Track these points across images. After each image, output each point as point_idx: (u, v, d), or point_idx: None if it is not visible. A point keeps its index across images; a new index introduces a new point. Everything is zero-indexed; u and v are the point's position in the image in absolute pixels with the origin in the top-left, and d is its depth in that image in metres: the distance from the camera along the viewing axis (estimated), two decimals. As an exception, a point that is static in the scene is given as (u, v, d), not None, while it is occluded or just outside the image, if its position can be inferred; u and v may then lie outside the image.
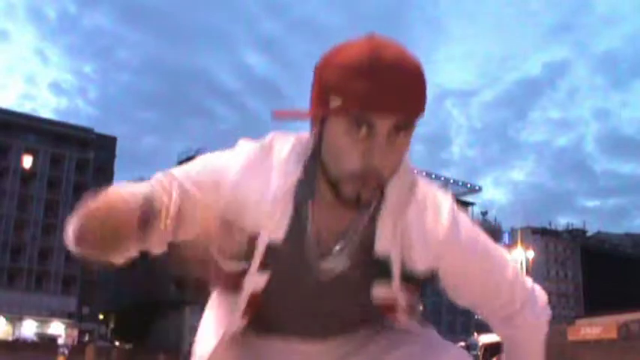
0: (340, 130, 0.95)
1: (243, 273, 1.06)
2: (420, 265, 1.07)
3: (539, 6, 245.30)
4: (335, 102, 0.94)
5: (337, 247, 1.06)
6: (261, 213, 1.02)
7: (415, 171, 1.09)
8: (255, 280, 1.05)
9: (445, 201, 1.10)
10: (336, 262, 1.06)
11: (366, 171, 0.95)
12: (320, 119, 1.00)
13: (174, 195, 0.98)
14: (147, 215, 0.92)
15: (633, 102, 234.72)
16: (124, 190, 0.98)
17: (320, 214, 1.05)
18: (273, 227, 1.02)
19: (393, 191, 1.04)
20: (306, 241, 1.05)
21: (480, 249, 1.12)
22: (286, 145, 1.06)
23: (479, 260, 1.11)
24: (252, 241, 1.03)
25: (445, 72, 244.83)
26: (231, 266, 1.08)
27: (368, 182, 0.96)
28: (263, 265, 1.04)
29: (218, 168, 1.05)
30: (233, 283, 1.09)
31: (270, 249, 1.03)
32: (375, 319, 1.14)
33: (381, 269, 1.06)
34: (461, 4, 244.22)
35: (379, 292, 1.07)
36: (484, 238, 1.14)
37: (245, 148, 1.07)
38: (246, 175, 1.03)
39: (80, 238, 0.97)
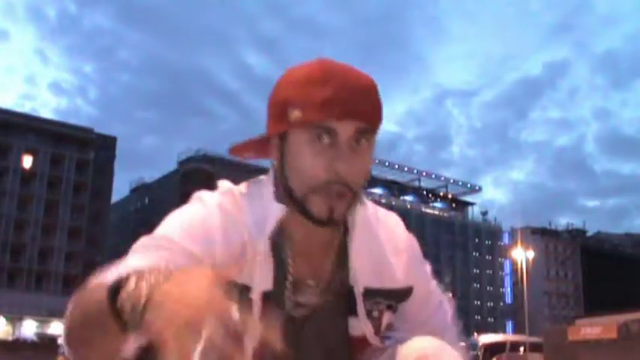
0: (302, 141, 0.95)
1: None
2: (399, 280, 1.08)
3: (539, 6, 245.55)
4: (294, 114, 0.95)
5: (311, 282, 1.05)
6: (250, 265, 0.99)
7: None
8: None
9: (393, 215, 1.15)
10: (308, 297, 1.04)
11: (332, 180, 0.94)
12: (280, 137, 0.99)
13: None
14: (116, 283, 0.74)
15: (633, 102, 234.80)
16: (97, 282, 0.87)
17: (294, 246, 1.03)
18: (265, 277, 0.99)
19: (356, 212, 1.05)
20: (285, 281, 1.03)
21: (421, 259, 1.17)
22: (241, 189, 1.05)
23: (424, 271, 1.16)
24: (245, 291, 0.97)
25: (445, 72, 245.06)
26: None
27: (338, 194, 0.95)
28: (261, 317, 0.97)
29: (198, 222, 0.97)
30: None
31: (267, 300, 1.00)
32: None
33: (352, 301, 1.05)
34: (461, 4, 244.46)
35: (355, 327, 1.05)
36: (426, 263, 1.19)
37: (209, 197, 1.03)
38: (225, 222, 0.98)
39: (70, 343, 0.85)
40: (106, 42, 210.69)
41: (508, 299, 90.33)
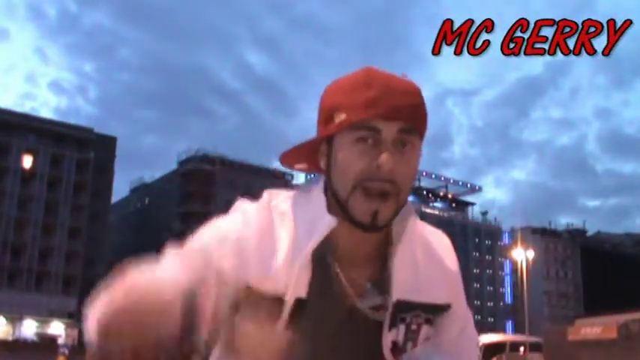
0: (347, 143, 0.97)
1: None
2: (440, 297, 1.09)
3: (540, 4, 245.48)
4: (339, 117, 0.98)
5: (368, 285, 1.05)
6: (283, 273, 0.99)
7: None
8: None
9: (442, 233, 1.16)
10: (372, 299, 1.05)
11: (374, 175, 0.95)
12: (327, 142, 1.02)
13: (214, 293, 0.90)
14: (189, 322, 0.79)
15: (635, 101, 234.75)
16: (156, 279, 0.87)
17: (340, 253, 1.04)
18: (299, 285, 0.99)
19: (402, 221, 1.05)
20: (336, 288, 1.03)
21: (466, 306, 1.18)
22: (282, 199, 1.06)
23: (462, 293, 1.17)
24: (278, 302, 0.98)
25: (446, 71, 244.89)
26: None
27: (381, 194, 0.96)
28: (288, 324, 0.99)
29: (231, 235, 0.99)
30: None
31: (298, 308, 0.99)
32: None
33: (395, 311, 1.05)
34: (462, 2, 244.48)
35: (387, 340, 1.05)
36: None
37: (249, 208, 1.04)
38: (259, 234, 1.00)
39: (108, 332, 0.78)
40: (106, 41, 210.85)
41: (508, 299, 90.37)
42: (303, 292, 1.00)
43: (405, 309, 1.05)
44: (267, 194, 1.07)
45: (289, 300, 0.98)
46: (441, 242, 1.15)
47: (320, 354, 1.05)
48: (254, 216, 1.02)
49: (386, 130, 0.96)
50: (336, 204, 1.00)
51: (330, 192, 1.02)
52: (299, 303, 1.00)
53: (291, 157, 1.09)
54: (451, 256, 1.14)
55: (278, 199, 1.06)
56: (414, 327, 1.07)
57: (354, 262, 1.05)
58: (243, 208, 1.05)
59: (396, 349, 1.07)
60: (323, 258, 1.03)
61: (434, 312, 1.09)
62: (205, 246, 0.98)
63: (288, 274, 0.99)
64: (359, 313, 1.04)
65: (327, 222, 1.00)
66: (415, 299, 1.06)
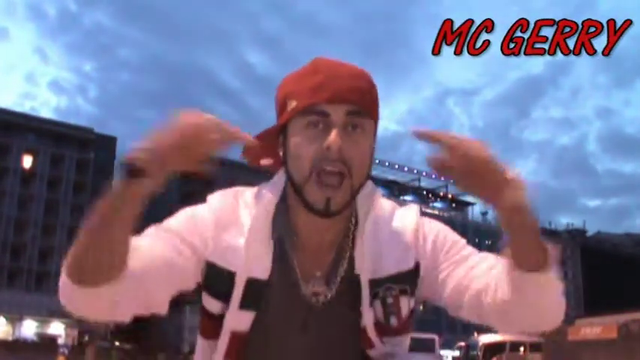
0: (298, 129, 1.02)
1: (222, 315, 1.06)
2: (406, 264, 1.07)
3: (542, 4, 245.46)
4: (290, 105, 1.03)
5: (318, 273, 1.07)
6: (241, 252, 1.03)
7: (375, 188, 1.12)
8: (237, 320, 1.04)
9: (412, 207, 1.15)
10: (318, 287, 1.07)
11: (324, 157, 0.99)
12: (283, 131, 1.06)
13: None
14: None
15: (636, 101, 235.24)
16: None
17: (301, 240, 1.07)
18: (255, 266, 1.04)
19: (363, 205, 1.08)
20: (291, 273, 1.06)
21: (448, 241, 1.12)
22: (248, 191, 1.12)
23: (452, 252, 1.10)
24: (233, 280, 1.03)
25: (447, 71, 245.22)
26: (212, 305, 1.06)
27: (332, 176, 0.99)
28: (244, 305, 1.03)
29: (198, 216, 1.08)
30: (213, 326, 1.07)
31: (253, 288, 1.03)
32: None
33: (361, 294, 1.06)
34: (463, 1, 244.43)
35: (366, 318, 1.06)
36: (447, 230, 1.15)
37: (214, 197, 1.12)
38: (220, 214, 1.07)
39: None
40: (106, 41, 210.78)
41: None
42: (261, 274, 1.04)
43: (374, 285, 1.06)
44: (234, 188, 1.14)
45: (240, 277, 1.03)
46: (404, 212, 1.14)
47: (293, 338, 1.07)
48: (216, 200, 1.10)
49: (334, 113, 0.99)
50: (294, 192, 1.04)
51: (289, 180, 1.06)
52: (257, 283, 1.03)
53: (253, 152, 1.11)
54: (410, 216, 1.12)
55: (244, 191, 1.12)
56: (389, 300, 1.06)
57: (317, 248, 1.08)
58: (209, 199, 1.12)
59: (381, 327, 1.07)
60: (282, 242, 1.07)
61: (405, 281, 1.07)
62: (175, 225, 1.07)
63: (245, 254, 1.03)
64: (304, 299, 1.06)
65: (268, 199, 1.07)
66: (381, 274, 1.06)
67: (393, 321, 1.07)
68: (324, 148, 0.98)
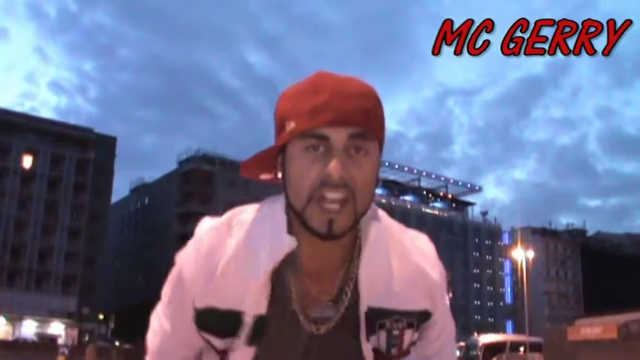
0: (297, 152, 0.94)
1: (226, 350, 1.04)
2: (419, 305, 1.06)
3: (541, 4, 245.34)
4: (289, 126, 0.95)
5: (325, 298, 1.03)
6: (239, 290, 0.99)
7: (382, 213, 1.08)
8: (243, 355, 1.02)
9: (424, 238, 1.12)
10: (322, 314, 1.03)
11: (325, 182, 0.92)
12: (281, 150, 0.99)
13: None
14: None
15: (636, 101, 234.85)
16: None
17: (304, 264, 1.02)
18: (258, 302, 1.00)
19: (370, 228, 1.02)
20: (290, 302, 1.02)
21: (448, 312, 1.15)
22: (246, 214, 1.05)
23: (445, 302, 1.13)
24: (237, 318, 1.00)
25: (447, 70, 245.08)
26: (216, 342, 1.04)
27: (335, 202, 0.93)
28: (250, 340, 1.01)
29: (185, 277, 1.03)
30: (217, 358, 1.06)
31: (258, 323, 1.00)
32: None
33: (367, 322, 1.03)
34: (463, 1, 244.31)
35: (367, 349, 1.04)
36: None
37: (203, 230, 1.05)
38: (209, 256, 1.01)
39: None
40: (106, 40, 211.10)
41: (508, 299, 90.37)
42: (262, 309, 1.00)
43: (380, 315, 1.03)
44: (230, 212, 1.07)
45: (248, 317, 0.99)
46: (422, 248, 1.09)
47: None
48: (206, 237, 1.03)
49: (335, 136, 0.92)
50: (295, 216, 0.98)
51: (288, 204, 1.00)
52: (259, 319, 1.00)
53: (252, 167, 1.05)
54: (433, 262, 1.09)
55: (241, 215, 1.05)
56: (395, 332, 1.04)
57: (319, 274, 1.03)
58: (197, 232, 1.06)
59: (380, 356, 1.05)
60: (282, 273, 1.01)
61: (414, 317, 1.06)
62: (170, 293, 1.06)
63: (244, 290, 0.99)
64: (304, 327, 1.02)
65: (286, 243, 0.98)
66: (389, 306, 1.03)
67: (394, 351, 1.05)
68: (325, 175, 0.92)
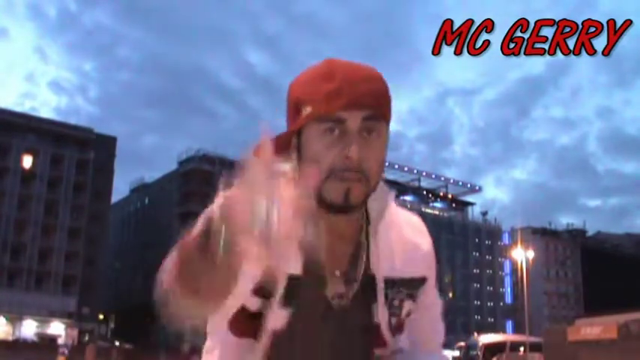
0: (314, 135, 1.01)
1: (260, 314, 1.05)
2: (418, 272, 1.13)
3: (541, 4, 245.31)
4: (305, 111, 1.01)
5: (337, 272, 1.09)
6: (275, 248, 0.97)
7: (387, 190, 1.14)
8: (276, 319, 1.04)
9: (418, 219, 1.19)
10: (339, 287, 1.08)
11: (344, 166, 0.99)
12: (296, 134, 1.04)
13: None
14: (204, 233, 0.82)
15: (637, 101, 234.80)
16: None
17: (324, 238, 1.07)
18: (290, 262, 1.02)
19: (375, 204, 1.10)
20: (318, 269, 1.07)
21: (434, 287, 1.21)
22: (267, 184, 1.01)
23: (433, 275, 1.20)
24: (272, 276, 1.01)
25: (447, 70, 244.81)
26: (252, 303, 1.04)
27: (352, 179, 0.99)
28: (285, 301, 1.03)
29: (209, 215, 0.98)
30: (250, 325, 1.06)
31: (290, 285, 1.03)
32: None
33: (374, 290, 1.09)
34: (463, 1, 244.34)
35: (383, 317, 1.10)
36: None
37: (228, 194, 0.99)
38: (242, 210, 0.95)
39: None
40: (106, 40, 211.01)
41: (508, 299, 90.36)
42: (296, 270, 1.03)
43: (387, 286, 1.10)
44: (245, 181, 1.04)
45: (281, 273, 1.02)
46: (412, 222, 1.18)
47: (316, 333, 1.08)
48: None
49: (350, 119, 0.99)
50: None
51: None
52: (292, 280, 1.03)
53: (261, 147, 1.05)
54: (423, 234, 1.17)
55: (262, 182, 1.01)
56: (396, 302, 1.11)
57: (334, 246, 1.08)
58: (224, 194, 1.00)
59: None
60: (310, 241, 1.05)
61: (414, 287, 1.13)
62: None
63: (279, 250, 0.96)
64: (327, 301, 1.08)
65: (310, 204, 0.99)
66: (394, 275, 1.10)
67: (393, 321, 1.12)
68: (343, 157, 0.99)
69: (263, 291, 1.03)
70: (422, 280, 1.14)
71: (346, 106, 0.99)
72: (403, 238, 1.13)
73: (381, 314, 1.09)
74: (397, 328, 1.13)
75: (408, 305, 1.13)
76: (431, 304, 1.21)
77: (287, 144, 1.07)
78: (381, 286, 1.09)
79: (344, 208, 1.02)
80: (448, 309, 77.64)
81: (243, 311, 1.05)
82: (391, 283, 1.10)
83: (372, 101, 1.01)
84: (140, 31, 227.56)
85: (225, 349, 1.10)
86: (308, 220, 1.00)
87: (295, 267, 1.03)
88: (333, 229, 1.07)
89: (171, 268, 0.89)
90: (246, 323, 1.06)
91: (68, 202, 62.10)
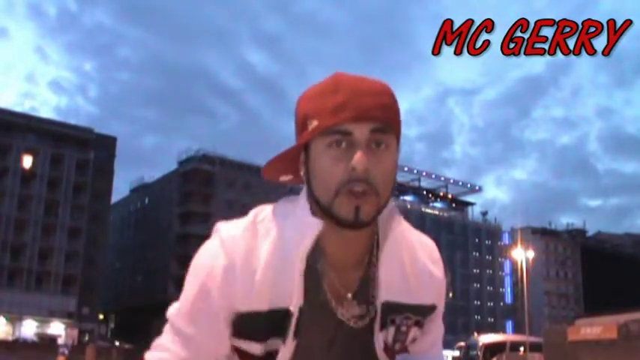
0: (322, 149, 0.99)
1: (264, 355, 1.05)
2: (428, 298, 1.12)
3: (543, 3, 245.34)
4: (312, 124, 1.00)
5: (349, 295, 1.07)
6: (280, 287, 1.01)
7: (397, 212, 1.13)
8: (289, 349, 1.03)
9: (433, 244, 1.18)
10: (352, 309, 1.07)
11: (352, 178, 0.97)
12: (305, 148, 1.03)
13: None
14: None
15: (637, 100, 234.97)
16: None
17: (328, 259, 1.06)
18: (295, 296, 1.02)
19: (388, 224, 1.08)
20: (322, 294, 1.06)
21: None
22: (266, 213, 1.07)
23: (442, 303, 1.19)
24: (283, 315, 1.01)
25: (447, 70, 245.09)
26: (254, 348, 1.04)
27: (362, 192, 0.97)
28: (295, 334, 1.03)
29: (206, 274, 1.03)
30: None
31: (298, 318, 1.02)
32: None
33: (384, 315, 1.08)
34: (463, 1, 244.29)
35: (379, 341, 1.08)
36: None
37: (229, 234, 1.05)
38: (243, 256, 1.02)
39: None
40: (106, 40, 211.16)
41: (508, 299, 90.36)
42: (301, 300, 1.02)
43: (394, 310, 1.07)
44: (253, 211, 1.08)
45: (294, 310, 1.01)
46: (427, 247, 1.15)
47: (321, 355, 1.07)
48: (237, 238, 1.03)
49: (357, 131, 0.97)
50: (320, 210, 1.01)
51: (312, 199, 1.03)
52: (300, 311, 1.02)
53: (273, 169, 1.08)
54: (437, 262, 1.15)
55: (263, 213, 1.07)
56: (403, 329, 1.09)
57: (344, 267, 1.07)
58: (222, 235, 1.05)
59: (386, 349, 1.09)
60: (313, 266, 1.04)
61: (422, 314, 1.11)
62: (195, 298, 1.03)
63: (285, 286, 1.01)
64: (343, 324, 1.06)
65: (313, 225, 1.01)
66: (403, 301, 1.08)
67: (397, 346, 1.11)
68: (350, 169, 0.96)
69: (271, 333, 1.03)
70: (431, 308, 1.13)
71: (353, 118, 0.97)
72: (416, 262, 1.11)
73: (378, 338, 1.07)
74: (401, 351, 1.12)
75: (414, 332, 1.11)
76: (434, 327, 1.20)
77: (295, 160, 1.06)
78: (379, 311, 1.06)
79: (355, 225, 0.99)
80: (448, 309, 77.60)
81: (246, 356, 1.06)
82: (399, 307, 1.08)
83: (379, 113, 0.99)
84: (140, 31, 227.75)
85: None
86: (314, 245, 1.04)
87: (300, 298, 1.02)
88: (342, 246, 1.05)
89: None
90: None
91: (68, 202, 62.09)
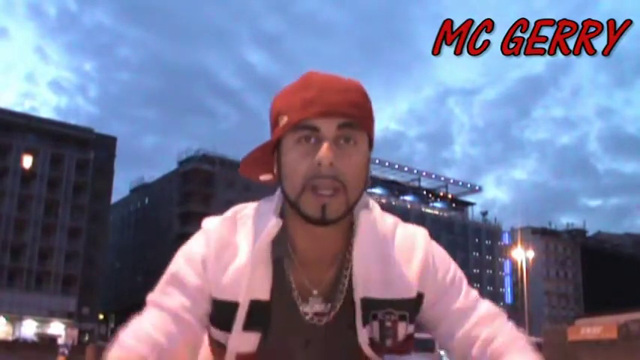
0: (290, 145, 1.00)
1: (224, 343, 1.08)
2: (411, 292, 1.08)
3: (543, 3, 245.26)
4: (282, 121, 1.01)
5: (315, 292, 1.07)
6: (241, 278, 1.04)
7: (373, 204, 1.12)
8: (242, 342, 1.05)
9: (413, 230, 1.14)
10: (318, 307, 1.07)
11: (317, 173, 0.97)
12: (276, 145, 1.04)
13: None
14: None
15: (637, 100, 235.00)
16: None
17: (299, 256, 1.07)
18: (257, 288, 1.04)
19: (361, 218, 1.07)
20: (290, 292, 1.06)
21: (456, 280, 1.16)
22: (247, 210, 1.11)
23: (456, 292, 1.15)
24: (234, 307, 1.04)
25: (447, 70, 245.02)
26: (219, 336, 1.08)
27: (328, 189, 0.98)
28: (249, 326, 1.04)
29: (196, 257, 1.07)
30: (221, 352, 1.09)
31: (257, 309, 1.04)
32: None
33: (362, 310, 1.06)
34: (463, 1, 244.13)
35: (362, 338, 1.06)
36: (456, 267, 1.19)
37: (211, 224, 1.10)
38: (218, 247, 1.06)
39: None
40: (106, 40, 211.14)
41: (508, 299, 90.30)
42: (263, 295, 1.04)
43: (372, 306, 1.06)
44: (235, 207, 1.13)
45: (243, 302, 1.03)
46: (406, 237, 1.13)
47: (297, 355, 1.07)
48: (215, 230, 1.08)
49: (324, 127, 0.98)
50: (290, 207, 1.03)
51: (284, 196, 1.05)
52: (259, 305, 1.04)
53: (251, 167, 1.10)
54: (415, 249, 1.11)
55: (243, 210, 1.11)
56: (388, 324, 1.07)
57: (316, 263, 1.07)
58: (206, 226, 1.10)
59: (375, 345, 1.07)
60: (281, 262, 1.06)
61: (406, 308, 1.08)
62: (178, 272, 1.07)
63: (247, 279, 1.03)
64: (305, 319, 1.06)
65: (272, 223, 1.04)
66: (381, 296, 1.06)
67: (389, 342, 1.08)
68: (316, 164, 0.97)
69: (224, 324, 1.05)
70: (417, 300, 1.09)
71: (320, 113, 0.98)
72: (390, 254, 1.09)
73: (361, 335, 1.06)
74: (397, 349, 1.09)
75: (403, 326, 1.08)
76: (445, 306, 1.13)
77: (269, 157, 1.07)
78: (358, 307, 1.05)
79: (322, 223, 1.00)
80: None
81: (214, 342, 1.10)
82: (378, 303, 1.06)
83: (347, 109, 0.99)
84: (140, 31, 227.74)
85: None
86: (280, 241, 1.06)
87: (262, 292, 1.04)
88: (313, 243, 1.06)
89: None
90: (219, 351, 1.09)
91: (68, 202, 62.06)
